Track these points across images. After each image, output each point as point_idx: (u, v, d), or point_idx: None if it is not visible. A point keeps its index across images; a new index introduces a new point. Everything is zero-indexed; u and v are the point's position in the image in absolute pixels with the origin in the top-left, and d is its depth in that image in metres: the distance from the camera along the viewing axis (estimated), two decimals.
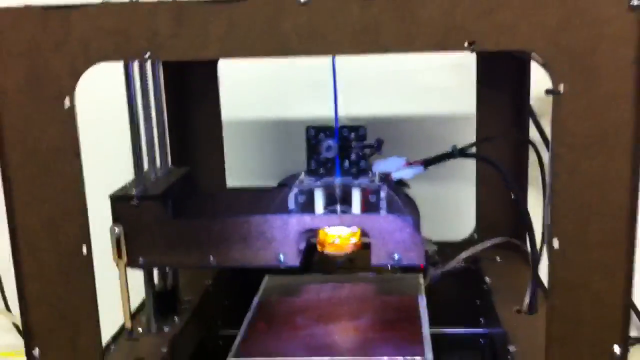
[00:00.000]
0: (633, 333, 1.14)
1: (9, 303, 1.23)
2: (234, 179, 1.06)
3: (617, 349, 0.61)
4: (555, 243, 0.59)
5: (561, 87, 0.55)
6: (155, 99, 0.84)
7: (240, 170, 1.10)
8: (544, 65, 0.56)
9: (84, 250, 0.61)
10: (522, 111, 0.98)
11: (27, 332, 0.64)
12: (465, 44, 0.56)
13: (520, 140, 0.98)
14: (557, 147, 0.56)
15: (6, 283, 1.23)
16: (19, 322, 1.20)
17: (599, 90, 0.55)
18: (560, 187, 0.57)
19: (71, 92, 0.58)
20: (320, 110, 0.84)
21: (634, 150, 0.56)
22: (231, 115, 1.07)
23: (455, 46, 0.55)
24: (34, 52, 0.57)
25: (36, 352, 0.65)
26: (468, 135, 0.99)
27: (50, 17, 0.57)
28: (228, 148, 1.05)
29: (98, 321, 0.64)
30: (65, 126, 0.58)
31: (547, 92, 0.53)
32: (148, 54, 0.55)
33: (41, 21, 0.57)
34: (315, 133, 0.80)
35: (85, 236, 0.61)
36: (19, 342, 1.20)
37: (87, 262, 0.62)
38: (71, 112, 0.58)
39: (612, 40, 0.54)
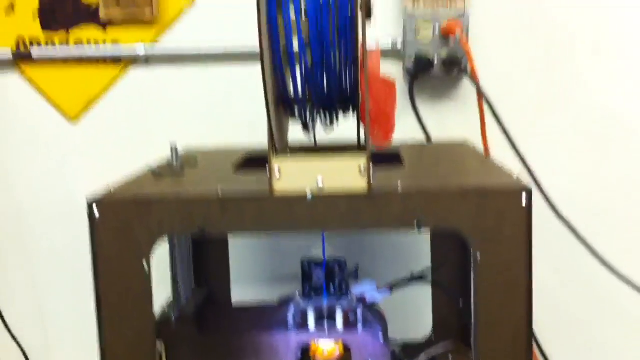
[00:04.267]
0: None
1: None
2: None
3: None
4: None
5: (478, 255, 0.77)
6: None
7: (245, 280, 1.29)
8: (467, 242, 0.79)
9: None
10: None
11: None
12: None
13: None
14: (476, 297, 0.79)
15: None
16: None
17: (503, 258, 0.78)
18: (480, 318, 0.79)
19: (148, 258, 0.78)
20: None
21: (528, 294, 0.79)
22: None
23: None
24: (126, 228, 0.78)
25: None
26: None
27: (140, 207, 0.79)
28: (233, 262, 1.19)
29: None
30: (143, 283, 0.79)
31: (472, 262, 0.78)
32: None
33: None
34: (308, 265, 1.03)
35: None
36: None
37: None
38: (147, 274, 0.79)
39: (512, 225, 0.77)
